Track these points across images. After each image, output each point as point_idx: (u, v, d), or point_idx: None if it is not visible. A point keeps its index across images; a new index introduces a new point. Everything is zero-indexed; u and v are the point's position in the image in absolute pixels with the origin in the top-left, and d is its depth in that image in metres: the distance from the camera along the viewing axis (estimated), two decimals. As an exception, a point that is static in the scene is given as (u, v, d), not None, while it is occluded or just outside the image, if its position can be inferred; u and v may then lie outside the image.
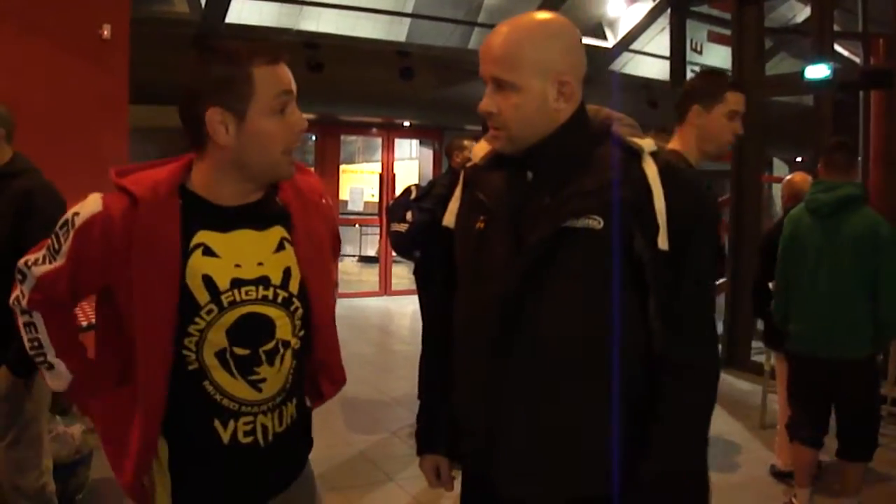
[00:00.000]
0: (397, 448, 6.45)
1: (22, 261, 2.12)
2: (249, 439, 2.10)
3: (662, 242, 2.04)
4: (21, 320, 2.15)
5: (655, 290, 2.09)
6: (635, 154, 2.10)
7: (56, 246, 2.05)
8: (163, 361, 2.00)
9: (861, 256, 4.64)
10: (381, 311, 13.26)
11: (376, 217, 16.02)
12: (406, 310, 13.28)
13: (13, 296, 2.15)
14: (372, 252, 17.15)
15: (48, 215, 3.38)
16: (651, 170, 2.07)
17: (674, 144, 3.54)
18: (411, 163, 18.97)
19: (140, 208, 1.97)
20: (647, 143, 2.11)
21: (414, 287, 6.79)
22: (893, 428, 6.69)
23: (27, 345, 2.16)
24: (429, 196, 6.37)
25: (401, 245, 6.50)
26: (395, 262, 15.20)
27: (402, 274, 15.41)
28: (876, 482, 5.75)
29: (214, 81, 1.99)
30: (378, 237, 16.03)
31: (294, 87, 2.06)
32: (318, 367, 2.32)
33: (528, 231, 2.08)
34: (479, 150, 2.33)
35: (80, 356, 2.20)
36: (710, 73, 3.81)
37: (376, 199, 16.33)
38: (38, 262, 2.08)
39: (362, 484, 5.65)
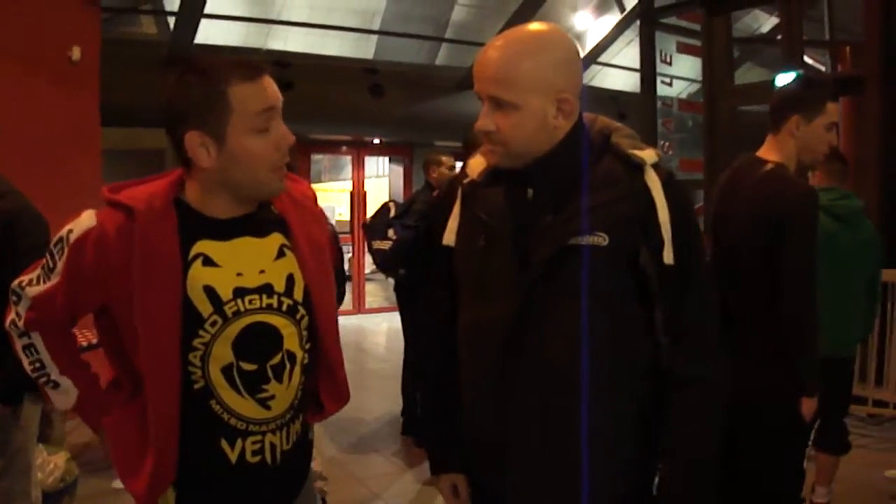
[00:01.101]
0: (382, 466, 6.42)
1: (15, 282, 2.09)
2: (257, 459, 2.06)
3: (668, 257, 2.03)
4: (19, 343, 2.11)
5: (662, 305, 2.08)
6: (637, 167, 2.07)
7: (51, 264, 2.02)
8: (172, 377, 1.95)
9: (870, 260, 4.80)
10: (355, 329, 13.19)
11: (348, 235, 15.92)
12: (380, 328, 13.24)
13: (8, 319, 2.11)
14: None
15: (34, 239, 3.33)
16: (654, 182, 2.06)
17: (773, 155, 3.48)
18: (381, 180, 18.96)
19: (137, 221, 1.93)
20: (649, 155, 2.09)
21: (387, 304, 6.77)
22: (874, 428, 6.78)
23: (28, 367, 2.12)
24: (410, 213, 6.36)
25: (386, 263, 6.47)
26: (367, 279, 15.16)
27: (375, 292, 15.39)
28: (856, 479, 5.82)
29: (190, 104, 1.96)
30: (350, 255, 15.98)
31: (279, 101, 2.01)
32: (323, 381, 2.27)
33: (532, 249, 2.07)
34: (475, 164, 2.28)
35: (84, 371, 2.18)
36: (810, 81, 3.74)
37: (347, 217, 16.26)
38: (32, 283, 2.05)
39: (351, 502, 5.62)
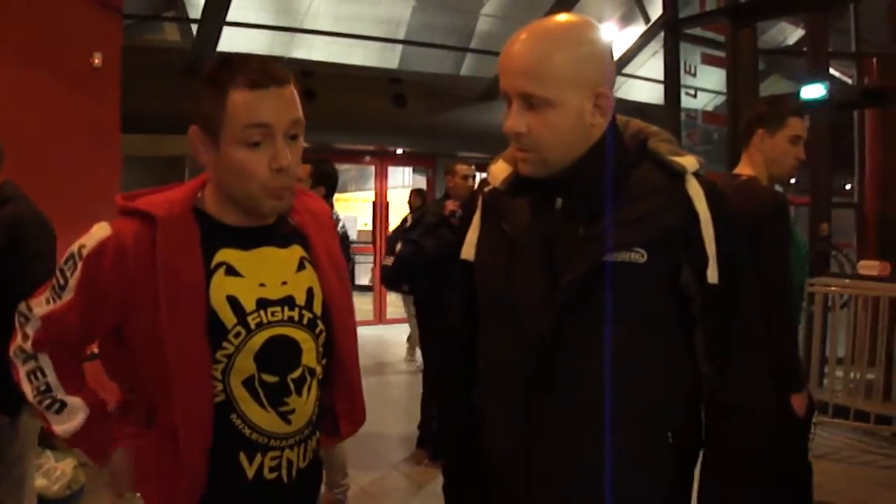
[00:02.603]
0: (396, 481, 6.33)
1: (23, 304, 2.00)
2: (274, 475, 1.98)
3: (712, 275, 1.84)
4: (24, 370, 2.00)
5: (704, 328, 1.90)
6: (678, 175, 1.88)
7: (62, 282, 1.92)
8: (203, 391, 1.86)
9: (803, 270, 4.93)
10: (376, 339, 13.13)
11: (370, 245, 15.95)
12: (401, 338, 13.11)
13: (14, 345, 2.01)
14: (365, 281, 17.05)
15: (38, 244, 3.30)
16: (696, 192, 1.86)
17: (745, 170, 3.75)
18: (405, 191, 18.93)
19: (158, 228, 1.86)
20: (690, 162, 1.89)
21: (408, 315, 6.67)
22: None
23: (32, 393, 2.00)
24: (418, 225, 6.24)
25: (388, 279, 6.37)
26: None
27: (397, 302, 15.30)
28: None
29: (198, 98, 1.89)
30: (371, 265, 15.98)
31: (279, 120, 1.86)
32: (340, 399, 2.17)
33: (562, 266, 1.86)
34: (497, 171, 2.07)
35: (92, 396, 2.05)
36: (774, 98, 4.05)
37: (370, 227, 16.26)
38: (41, 304, 1.95)
39: (361, 517, 5.50)
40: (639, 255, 1.82)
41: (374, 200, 15.59)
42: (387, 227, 13.78)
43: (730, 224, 1.89)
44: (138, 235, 1.87)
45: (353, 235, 18.97)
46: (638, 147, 1.95)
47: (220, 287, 1.90)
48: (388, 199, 15.56)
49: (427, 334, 6.56)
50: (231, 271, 1.93)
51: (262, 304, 1.94)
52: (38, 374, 1.99)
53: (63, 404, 2.00)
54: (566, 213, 1.92)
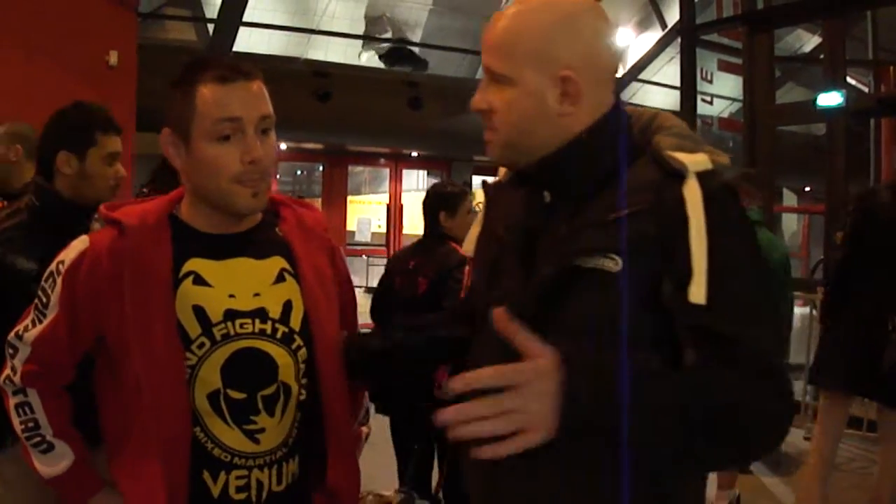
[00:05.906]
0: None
1: (11, 334, 1.95)
2: (242, 496, 1.87)
3: (697, 294, 1.44)
4: (13, 401, 1.95)
5: (688, 357, 1.52)
6: (676, 174, 1.53)
7: (44, 300, 1.89)
8: (179, 399, 1.80)
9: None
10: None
11: (383, 248, 15.96)
12: (413, 341, 13.15)
13: (3, 375, 1.96)
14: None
15: None
16: (693, 195, 1.48)
17: None
18: (419, 194, 18.95)
19: (128, 237, 1.82)
20: (696, 160, 1.52)
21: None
22: None
23: (20, 427, 1.94)
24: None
25: None
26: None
27: (409, 305, 15.31)
28: None
29: (168, 101, 1.83)
30: (384, 268, 15.92)
31: (250, 113, 1.80)
32: (329, 434, 1.98)
33: (540, 266, 1.60)
34: None
35: (78, 441, 1.98)
36: None
37: (383, 229, 16.27)
38: (28, 328, 1.92)
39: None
40: (612, 263, 1.52)
41: (388, 203, 15.59)
42: (401, 230, 13.78)
43: (732, 235, 1.53)
44: (113, 245, 1.83)
45: (366, 237, 19.08)
46: (643, 141, 1.66)
47: (187, 296, 1.84)
48: (403, 201, 15.56)
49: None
50: (199, 280, 1.87)
51: (231, 315, 1.87)
52: (27, 408, 1.95)
53: (51, 446, 1.95)
54: (553, 209, 1.67)
